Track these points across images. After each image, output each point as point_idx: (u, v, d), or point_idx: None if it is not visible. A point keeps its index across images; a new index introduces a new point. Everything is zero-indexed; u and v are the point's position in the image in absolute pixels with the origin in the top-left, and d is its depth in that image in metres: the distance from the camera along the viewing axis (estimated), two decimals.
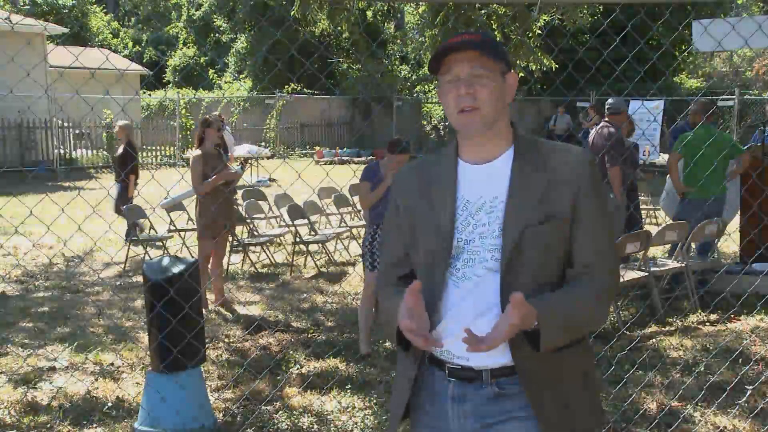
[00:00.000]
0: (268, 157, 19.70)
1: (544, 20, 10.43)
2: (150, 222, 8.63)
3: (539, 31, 10.44)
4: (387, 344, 5.54)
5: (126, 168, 9.01)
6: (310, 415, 4.30)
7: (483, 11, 9.60)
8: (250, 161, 16.80)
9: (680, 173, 6.77)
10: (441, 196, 1.95)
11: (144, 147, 21.38)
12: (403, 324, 1.83)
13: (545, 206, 1.86)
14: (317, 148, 23.80)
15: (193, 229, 8.05)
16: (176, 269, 3.88)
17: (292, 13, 9.90)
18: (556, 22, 10.45)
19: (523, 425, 1.89)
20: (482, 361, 1.90)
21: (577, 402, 1.95)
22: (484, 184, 1.92)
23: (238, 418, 4.25)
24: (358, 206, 9.72)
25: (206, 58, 32.40)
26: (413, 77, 27.69)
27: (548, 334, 1.81)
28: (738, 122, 18.63)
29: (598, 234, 1.90)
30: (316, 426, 4.17)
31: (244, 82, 29.34)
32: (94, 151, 20.65)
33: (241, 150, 17.70)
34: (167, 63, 33.19)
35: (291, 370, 5.04)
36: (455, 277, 1.91)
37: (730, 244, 7.79)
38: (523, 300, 1.73)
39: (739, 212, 7.32)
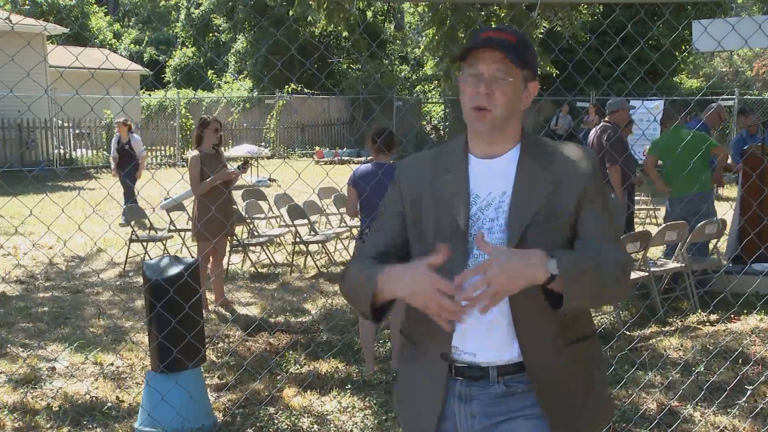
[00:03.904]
0: (268, 157, 19.68)
1: (544, 27, 10.39)
2: (150, 222, 8.62)
3: (538, 36, 10.43)
4: (388, 345, 5.54)
5: None
6: (309, 415, 4.30)
7: (482, 12, 9.59)
8: (251, 161, 16.80)
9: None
10: (453, 190, 1.93)
11: (144, 147, 21.33)
12: (437, 284, 1.68)
13: (550, 204, 1.86)
14: (317, 148, 23.79)
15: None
16: (176, 269, 3.87)
17: (290, 12, 9.89)
18: (557, 27, 10.41)
19: (531, 423, 1.89)
20: (490, 356, 1.88)
21: (585, 399, 1.94)
22: (492, 180, 1.92)
23: (238, 419, 4.25)
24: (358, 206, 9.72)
25: (206, 58, 32.41)
26: (413, 77, 27.68)
27: (573, 290, 1.69)
28: (737, 122, 18.62)
29: (606, 230, 1.89)
30: (315, 426, 4.17)
31: (244, 82, 29.34)
32: (94, 151, 20.65)
33: (241, 150, 17.70)
34: (167, 63, 33.19)
35: (291, 370, 5.04)
36: None
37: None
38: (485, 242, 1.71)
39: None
